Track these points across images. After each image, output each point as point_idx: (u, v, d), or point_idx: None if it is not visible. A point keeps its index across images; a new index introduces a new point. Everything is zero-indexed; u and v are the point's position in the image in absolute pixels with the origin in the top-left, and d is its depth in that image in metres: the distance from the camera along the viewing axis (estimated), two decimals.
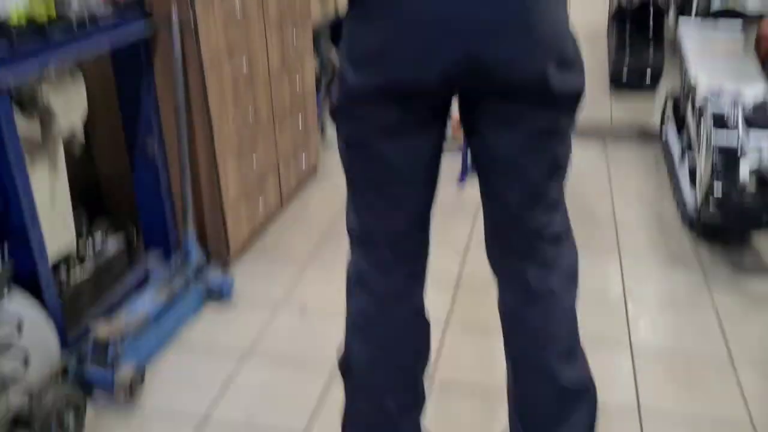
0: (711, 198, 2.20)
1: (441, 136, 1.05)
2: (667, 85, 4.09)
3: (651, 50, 4.31)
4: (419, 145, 1.02)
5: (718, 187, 2.15)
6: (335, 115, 1.08)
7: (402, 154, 1.02)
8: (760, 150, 2.16)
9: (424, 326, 1.18)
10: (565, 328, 1.09)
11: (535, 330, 1.08)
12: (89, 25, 1.87)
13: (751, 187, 2.16)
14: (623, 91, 4.57)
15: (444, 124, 1.07)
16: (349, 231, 1.14)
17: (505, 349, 1.15)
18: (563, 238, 1.08)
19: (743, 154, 2.13)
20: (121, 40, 2.02)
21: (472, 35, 0.90)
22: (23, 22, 1.71)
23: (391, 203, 1.06)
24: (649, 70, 4.37)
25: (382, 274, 1.10)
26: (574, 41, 1.01)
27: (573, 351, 1.11)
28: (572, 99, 1.00)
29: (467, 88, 0.99)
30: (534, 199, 1.03)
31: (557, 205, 1.07)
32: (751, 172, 2.12)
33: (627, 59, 4.39)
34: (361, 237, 1.11)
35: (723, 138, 2.22)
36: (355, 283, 1.15)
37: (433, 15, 0.91)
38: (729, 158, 2.14)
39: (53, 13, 1.79)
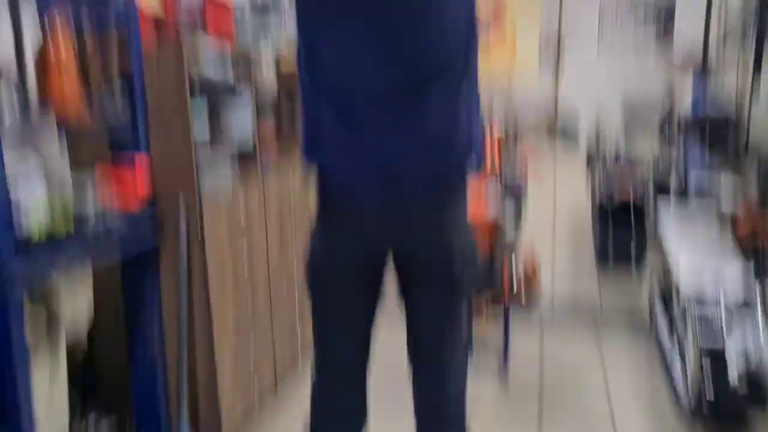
0: (703, 401, 2.21)
1: (377, 295, 1.59)
2: (653, 265, 4.22)
3: (633, 241, 4.51)
4: (362, 295, 1.56)
5: (709, 391, 2.18)
6: (305, 268, 1.60)
7: (349, 299, 1.54)
8: (746, 352, 2.22)
9: (363, 422, 1.68)
10: (453, 411, 1.62)
11: (432, 410, 1.62)
12: (104, 237, 2.00)
13: (743, 389, 2.18)
14: (610, 274, 4.72)
15: (380, 283, 1.60)
16: (313, 361, 1.63)
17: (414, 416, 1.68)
18: (457, 362, 1.59)
19: (730, 358, 2.18)
20: (132, 251, 2.14)
21: (400, 237, 1.51)
22: (44, 237, 1.83)
23: (339, 340, 1.57)
24: (633, 255, 4.54)
25: (334, 393, 1.62)
26: (472, 243, 1.55)
27: (461, 424, 1.65)
28: (468, 285, 1.54)
29: (398, 264, 1.57)
30: (439, 339, 1.55)
31: (456, 342, 1.57)
32: (740, 375, 2.16)
33: (612, 248, 4.58)
34: (318, 366, 1.61)
35: (710, 341, 2.29)
36: (315, 396, 1.64)
37: (371, 226, 1.50)
38: (718, 363, 2.20)
39: (72, 229, 1.92)
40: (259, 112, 2.66)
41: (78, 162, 2.16)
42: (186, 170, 2.25)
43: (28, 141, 1.83)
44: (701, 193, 3.58)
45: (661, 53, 7.70)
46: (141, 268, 2.27)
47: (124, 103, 2.13)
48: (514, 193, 3.89)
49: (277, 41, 2.81)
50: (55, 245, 1.84)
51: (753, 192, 3.54)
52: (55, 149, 1.95)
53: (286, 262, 2.98)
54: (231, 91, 2.46)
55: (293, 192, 3.01)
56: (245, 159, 2.64)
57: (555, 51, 8.13)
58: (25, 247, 1.75)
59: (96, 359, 2.51)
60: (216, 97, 2.38)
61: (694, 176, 3.66)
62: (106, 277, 2.30)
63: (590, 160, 5.80)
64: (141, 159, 2.17)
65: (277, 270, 2.89)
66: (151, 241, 2.23)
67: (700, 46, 7.59)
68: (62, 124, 1.93)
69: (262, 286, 2.74)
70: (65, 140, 2.22)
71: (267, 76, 2.71)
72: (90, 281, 2.03)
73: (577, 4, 7.99)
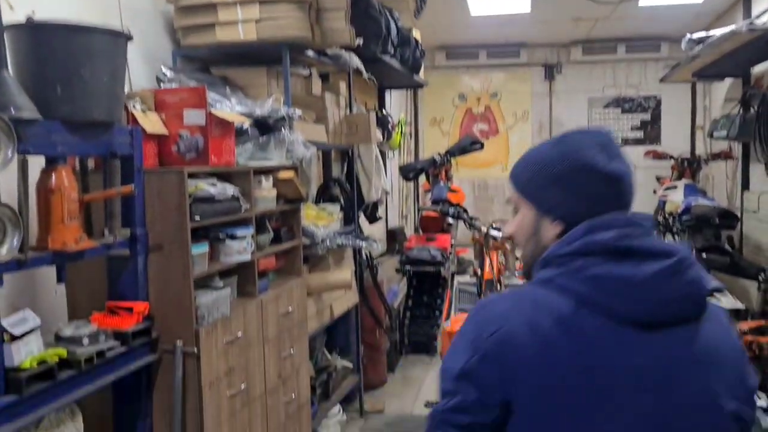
0: None
1: None
2: None
3: None
4: None
5: None
6: None
7: None
8: None
9: None
10: None
11: None
12: (97, 361, 1.93)
13: None
14: None
15: None
16: None
17: None
18: None
19: None
20: (125, 373, 2.07)
21: None
22: (34, 364, 1.76)
23: None
24: None
25: None
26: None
27: None
28: None
29: None
30: None
31: None
32: None
33: None
34: None
35: None
36: None
37: None
38: None
39: (64, 355, 1.86)
40: (258, 228, 2.67)
41: (77, 310, 2.18)
42: (184, 312, 2.24)
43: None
44: None
45: (649, 143, 7.86)
46: (133, 391, 2.20)
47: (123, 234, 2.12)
48: None
49: (276, 156, 2.84)
50: (46, 375, 1.78)
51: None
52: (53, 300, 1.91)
53: (284, 377, 2.90)
54: (232, 209, 2.46)
55: (292, 308, 2.97)
56: (244, 275, 2.63)
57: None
58: (15, 385, 1.70)
59: None
60: (215, 215, 2.38)
61: None
62: (98, 404, 2.22)
63: None
64: (139, 307, 2.14)
65: (274, 391, 2.80)
66: (145, 362, 2.16)
67: (687, 137, 7.79)
68: (61, 260, 1.92)
69: (258, 402, 2.66)
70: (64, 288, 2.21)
71: (267, 192, 2.72)
72: (79, 413, 1.95)
73: (565, 97, 8.23)
